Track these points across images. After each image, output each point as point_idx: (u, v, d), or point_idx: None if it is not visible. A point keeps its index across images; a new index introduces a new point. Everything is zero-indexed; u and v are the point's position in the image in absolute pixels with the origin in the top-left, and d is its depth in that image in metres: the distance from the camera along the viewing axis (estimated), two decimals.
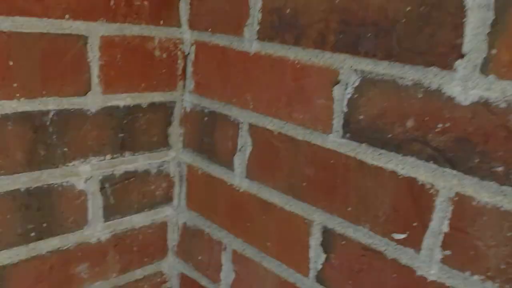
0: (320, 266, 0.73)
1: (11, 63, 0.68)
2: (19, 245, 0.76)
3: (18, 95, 0.70)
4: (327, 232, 0.71)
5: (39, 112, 0.73)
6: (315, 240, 0.73)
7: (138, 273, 0.97)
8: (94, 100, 0.79)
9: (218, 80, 0.85)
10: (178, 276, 1.03)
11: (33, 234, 0.77)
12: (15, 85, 0.69)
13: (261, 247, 0.83)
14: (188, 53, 0.90)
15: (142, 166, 0.90)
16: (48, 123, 0.74)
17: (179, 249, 1.01)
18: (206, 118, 0.89)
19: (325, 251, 0.72)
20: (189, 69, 0.90)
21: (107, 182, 0.85)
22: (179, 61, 0.90)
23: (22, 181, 0.74)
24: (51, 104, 0.74)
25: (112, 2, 0.76)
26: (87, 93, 0.78)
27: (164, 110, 0.90)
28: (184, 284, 1.03)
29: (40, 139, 0.74)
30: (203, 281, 0.97)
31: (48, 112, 0.74)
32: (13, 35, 0.67)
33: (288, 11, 0.70)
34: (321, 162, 0.70)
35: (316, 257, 0.74)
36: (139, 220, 0.93)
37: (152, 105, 0.88)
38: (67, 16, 0.72)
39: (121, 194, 0.88)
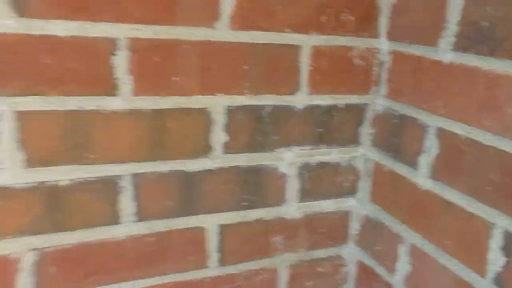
0: (499, 269, 0.76)
1: (246, 67, 0.88)
2: (235, 210, 0.96)
3: (247, 91, 0.89)
4: (509, 237, 0.74)
5: (260, 106, 0.91)
6: (495, 242, 0.76)
7: (321, 253, 1.10)
8: (301, 99, 0.95)
9: (410, 86, 0.93)
10: (355, 263, 1.14)
11: (245, 203, 0.97)
12: (246, 84, 0.89)
13: (439, 244, 0.88)
14: (384, 61, 1.00)
15: (334, 159, 1.03)
16: (265, 115, 0.92)
17: (359, 238, 1.12)
18: (395, 120, 0.97)
19: (506, 255, 0.75)
20: (383, 75, 1.00)
21: (304, 168, 1.00)
22: (374, 68, 1.00)
23: (243, 159, 0.94)
24: (269, 100, 0.92)
25: (323, 18, 0.91)
26: (296, 93, 0.94)
27: (357, 111, 1.02)
28: (360, 270, 1.13)
29: (258, 128, 0.93)
30: (379, 270, 1.06)
31: (266, 106, 0.92)
32: (250, 45, 0.87)
33: (485, 24, 0.75)
34: (508, 168, 0.73)
35: (496, 259, 0.76)
36: (326, 206, 1.06)
37: (347, 106, 1.00)
38: (287, 29, 0.89)
39: (315, 180, 1.03)
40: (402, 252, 0.98)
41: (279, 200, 1.01)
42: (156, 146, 0.85)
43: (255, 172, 0.95)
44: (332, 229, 1.09)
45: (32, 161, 0.78)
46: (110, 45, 0.77)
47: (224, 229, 0.97)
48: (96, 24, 0.75)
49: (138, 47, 0.79)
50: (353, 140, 1.04)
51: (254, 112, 0.91)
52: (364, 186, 1.09)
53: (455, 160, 0.83)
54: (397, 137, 0.97)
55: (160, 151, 0.86)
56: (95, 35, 0.75)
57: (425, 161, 0.90)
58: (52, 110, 0.76)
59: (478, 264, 0.80)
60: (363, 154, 1.06)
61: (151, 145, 0.85)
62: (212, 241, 0.96)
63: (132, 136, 0.83)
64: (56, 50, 0.74)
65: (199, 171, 0.90)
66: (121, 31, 0.77)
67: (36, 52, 0.73)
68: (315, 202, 1.05)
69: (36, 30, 0.72)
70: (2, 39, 0.71)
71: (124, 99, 0.81)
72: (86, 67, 0.76)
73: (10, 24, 0.70)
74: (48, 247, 0.82)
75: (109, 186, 0.84)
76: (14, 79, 0.73)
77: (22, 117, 0.75)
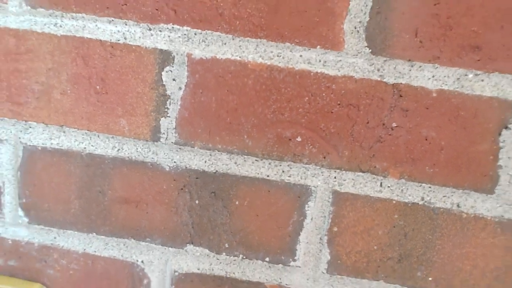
0: None
1: None
2: None
3: None
4: None
5: None
6: None
7: None
8: None
9: None
10: None
11: None
12: None
13: None
14: None
15: None
16: None
17: None
18: None
19: None
20: None
21: None
22: None
23: None
24: None
25: None
26: None
27: None
28: None
29: None
30: None
31: None
32: None
33: None
34: None
35: None
36: None
37: None
38: None
39: None
40: None
41: None
42: None
43: None
44: None
45: (337, 267, 0.59)
46: (500, 111, 0.51)
47: None
48: (483, 77, 0.51)
49: None
50: None
51: None
52: None
53: None
54: None
55: None
56: (479, 92, 0.51)
57: None
58: (387, 197, 0.55)
59: None
60: None
61: None
62: None
63: (501, 260, 0.55)
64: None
65: None
66: None
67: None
68: None
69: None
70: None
71: (501, 200, 0.53)
72: (455, 141, 0.53)
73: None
74: None
75: None
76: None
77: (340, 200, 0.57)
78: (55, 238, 0.61)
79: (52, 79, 0.56)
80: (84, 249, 0.61)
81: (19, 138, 0.58)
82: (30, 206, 0.61)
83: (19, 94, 0.57)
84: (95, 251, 0.61)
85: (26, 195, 0.60)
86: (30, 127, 0.58)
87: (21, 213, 0.61)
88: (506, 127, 0.51)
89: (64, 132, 0.58)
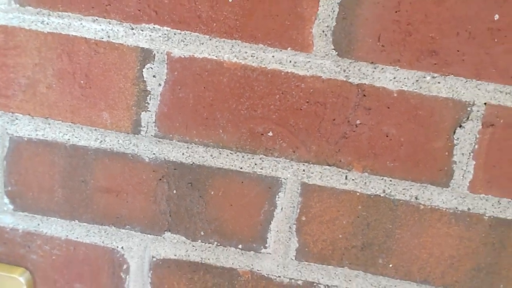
0: None
1: None
2: None
3: None
4: None
5: None
6: None
7: None
8: None
9: None
10: None
11: None
12: None
13: None
14: None
15: None
16: None
17: None
18: None
19: None
20: None
21: None
22: None
23: None
24: None
25: None
26: None
27: None
28: None
29: None
30: None
31: None
32: None
33: None
34: None
35: None
36: None
37: None
38: None
39: None
40: None
41: None
42: (486, 271, 0.60)
43: None
44: None
45: (305, 254, 0.62)
46: (455, 111, 0.55)
47: None
48: (440, 79, 0.54)
49: (495, 119, 0.55)
50: None
51: None
52: None
53: None
54: None
55: (490, 280, 0.61)
56: (435, 93, 0.55)
57: None
58: (351, 189, 0.59)
59: None
60: None
61: (480, 268, 0.60)
62: None
63: (455, 249, 0.60)
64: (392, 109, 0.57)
65: None
66: (481, 94, 0.55)
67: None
68: None
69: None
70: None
71: (455, 193, 0.58)
72: (413, 138, 0.57)
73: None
74: None
75: None
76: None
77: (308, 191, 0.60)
78: (39, 224, 0.64)
79: (38, 74, 0.59)
80: (67, 236, 0.64)
81: (6, 129, 0.61)
82: (15, 194, 0.63)
83: (7, 87, 0.60)
84: (77, 238, 0.64)
85: (12, 183, 0.63)
86: (17, 119, 0.61)
87: (6, 200, 0.64)
88: (460, 126, 0.55)
89: (49, 124, 0.61)
